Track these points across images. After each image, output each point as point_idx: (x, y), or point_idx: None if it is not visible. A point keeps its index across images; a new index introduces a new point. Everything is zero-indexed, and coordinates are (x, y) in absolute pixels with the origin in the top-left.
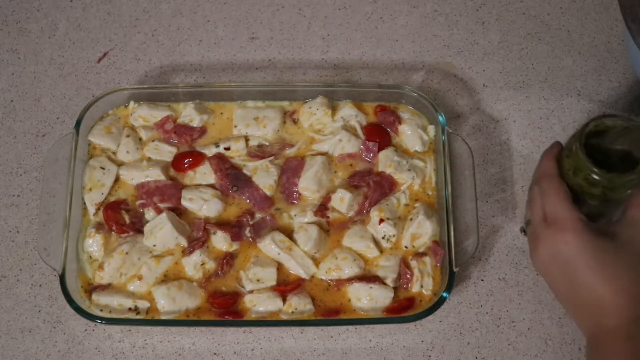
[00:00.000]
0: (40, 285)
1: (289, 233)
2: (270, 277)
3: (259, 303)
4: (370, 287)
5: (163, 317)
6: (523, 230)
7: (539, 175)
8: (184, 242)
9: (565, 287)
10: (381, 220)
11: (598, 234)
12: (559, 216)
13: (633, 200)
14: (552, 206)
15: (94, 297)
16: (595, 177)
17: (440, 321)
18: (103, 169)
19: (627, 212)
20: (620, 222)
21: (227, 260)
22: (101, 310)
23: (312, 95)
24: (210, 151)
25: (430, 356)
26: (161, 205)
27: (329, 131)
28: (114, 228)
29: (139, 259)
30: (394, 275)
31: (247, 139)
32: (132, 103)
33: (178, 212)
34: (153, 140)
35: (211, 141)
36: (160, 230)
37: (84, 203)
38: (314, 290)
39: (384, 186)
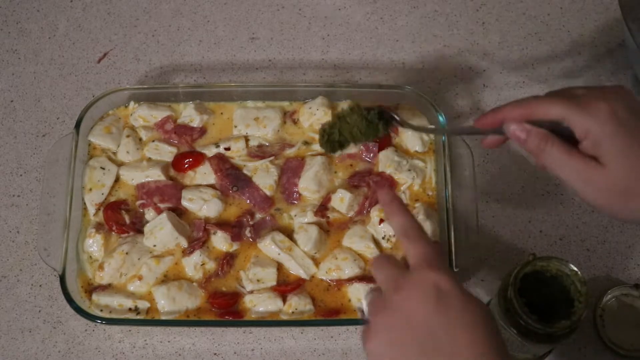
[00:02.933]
0: (40, 286)
1: (289, 233)
2: (270, 277)
3: (259, 303)
4: (371, 288)
5: (163, 317)
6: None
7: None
8: (184, 243)
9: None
10: (381, 220)
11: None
12: (433, 256)
13: None
14: (422, 247)
15: (94, 297)
16: (525, 323)
17: None
18: (103, 169)
19: None
20: None
21: (227, 260)
22: (101, 310)
23: (312, 95)
24: (211, 151)
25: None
26: (161, 206)
27: None
28: (114, 228)
29: (139, 259)
30: None
31: (247, 139)
32: (132, 103)
33: (178, 212)
34: (153, 141)
35: (211, 141)
36: (160, 231)
37: (84, 203)
38: (314, 291)
39: (384, 186)
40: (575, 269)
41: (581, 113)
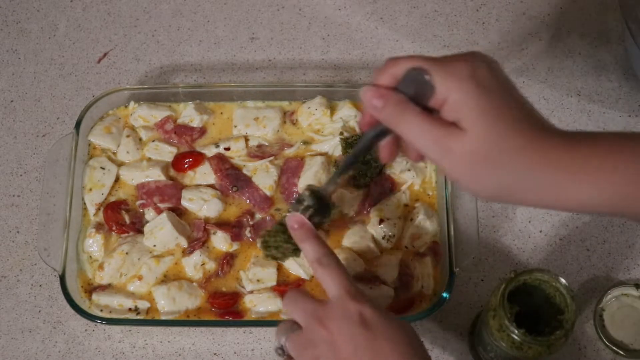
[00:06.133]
0: (40, 286)
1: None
2: (270, 277)
3: (259, 303)
4: (370, 288)
5: (163, 318)
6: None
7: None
8: (184, 242)
9: None
10: (381, 220)
11: None
12: (353, 286)
13: None
14: (340, 276)
15: (94, 297)
16: (522, 341)
17: (440, 321)
18: (103, 169)
19: None
20: None
21: (227, 260)
22: (101, 310)
23: (313, 95)
24: (210, 151)
25: (430, 356)
26: (161, 206)
27: (328, 132)
28: (114, 228)
29: (139, 259)
30: (394, 276)
31: (247, 139)
32: (132, 103)
33: (178, 212)
34: (153, 141)
35: (211, 141)
36: (160, 231)
37: (84, 203)
38: (314, 291)
39: (384, 186)
40: (555, 278)
41: (442, 69)
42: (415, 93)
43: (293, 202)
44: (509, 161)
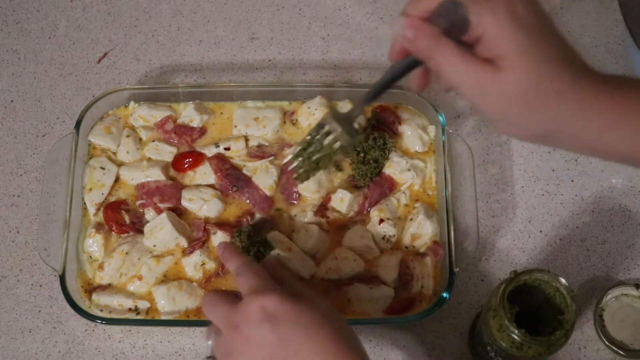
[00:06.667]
0: (40, 286)
1: (288, 233)
2: None
3: None
4: (370, 288)
5: (163, 318)
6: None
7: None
8: (184, 242)
9: None
10: (381, 221)
11: None
12: (259, 283)
13: None
14: (249, 278)
15: (94, 297)
16: (522, 341)
17: (440, 321)
18: (103, 169)
19: None
20: None
21: None
22: (101, 310)
23: (312, 95)
24: (210, 151)
25: (430, 356)
26: (161, 206)
27: None
28: (114, 228)
29: (139, 259)
30: (394, 276)
31: (247, 139)
32: (132, 103)
33: (178, 212)
34: (153, 141)
35: (211, 141)
36: (160, 231)
37: (84, 203)
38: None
39: (384, 186)
40: (555, 278)
41: (478, 2)
42: (449, 26)
43: (314, 128)
44: (549, 105)
